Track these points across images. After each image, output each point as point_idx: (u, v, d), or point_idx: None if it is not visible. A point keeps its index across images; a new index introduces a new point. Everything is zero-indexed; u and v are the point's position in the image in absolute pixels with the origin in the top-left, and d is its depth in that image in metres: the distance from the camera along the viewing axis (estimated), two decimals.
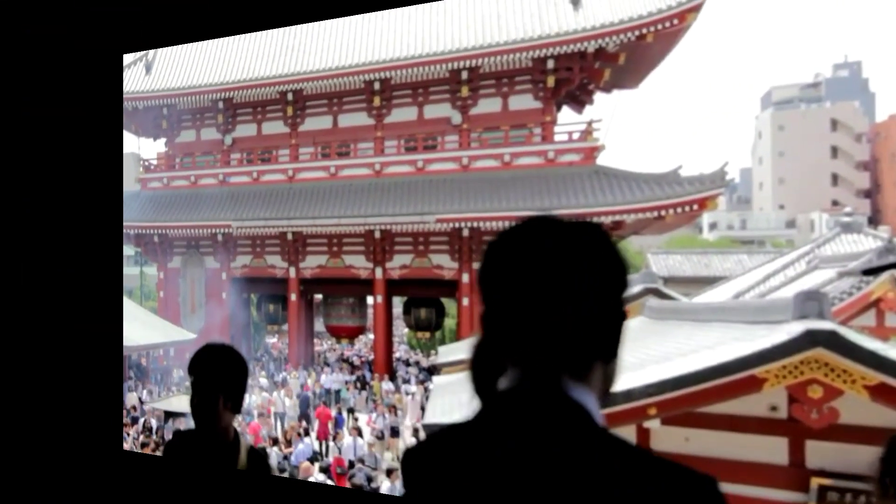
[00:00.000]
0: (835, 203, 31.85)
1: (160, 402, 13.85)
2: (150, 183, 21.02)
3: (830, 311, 5.10)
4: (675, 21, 12.39)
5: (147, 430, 11.60)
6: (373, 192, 16.31)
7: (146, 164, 21.72)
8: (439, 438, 0.64)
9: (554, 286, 0.57)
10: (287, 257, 17.78)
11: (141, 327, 16.65)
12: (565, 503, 0.53)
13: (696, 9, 12.30)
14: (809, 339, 4.64)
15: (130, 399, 13.54)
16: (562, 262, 0.58)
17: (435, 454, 0.63)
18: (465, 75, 15.14)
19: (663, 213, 12.36)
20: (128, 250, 26.15)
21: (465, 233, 14.76)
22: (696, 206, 12.29)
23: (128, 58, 21.73)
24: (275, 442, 10.25)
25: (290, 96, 18.12)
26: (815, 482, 4.90)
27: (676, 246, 21.23)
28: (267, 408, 13.28)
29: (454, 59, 14.86)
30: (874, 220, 26.61)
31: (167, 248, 20.46)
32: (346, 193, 16.73)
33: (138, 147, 27.90)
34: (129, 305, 16.47)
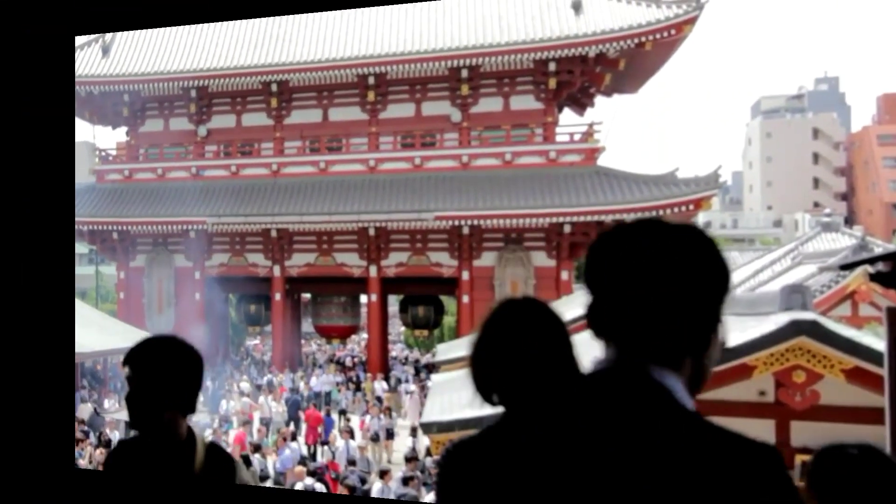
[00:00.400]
0: (816, 205, 37.27)
1: (122, 413, 13.72)
2: (108, 175, 20.46)
3: (812, 303, 6.07)
4: (673, 31, 14.28)
5: (105, 443, 11.36)
6: (367, 188, 17.17)
7: (103, 154, 21.36)
8: (530, 415, 0.77)
9: (656, 285, 0.70)
10: (271, 255, 18.26)
11: (97, 332, 16.43)
12: (645, 470, 0.66)
13: (692, 21, 14.24)
14: (794, 329, 5.34)
15: (83, 411, 13.41)
16: (666, 263, 0.70)
17: (532, 426, 0.76)
18: (465, 73, 16.44)
19: (661, 212, 14.16)
20: (80, 248, 25.58)
21: (466, 231, 15.99)
22: (691, 207, 14.18)
23: (81, 37, 21.57)
24: (256, 449, 9.87)
25: (274, 87, 18.56)
26: (799, 459, 5.30)
27: None
28: (249, 413, 12.91)
29: (455, 57, 16.06)
30: (850, 221, 31.57)
31: (129, 246, 20.27)
32: (338, 189, 17.45)
33: (93, 136, 27.47)
34: (82, 308, 16.42)
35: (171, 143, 20.61)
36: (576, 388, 0.75)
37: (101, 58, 20.74)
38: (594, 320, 0.74)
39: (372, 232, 16.93)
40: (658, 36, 14.42)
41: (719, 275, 0.72)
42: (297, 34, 17.88)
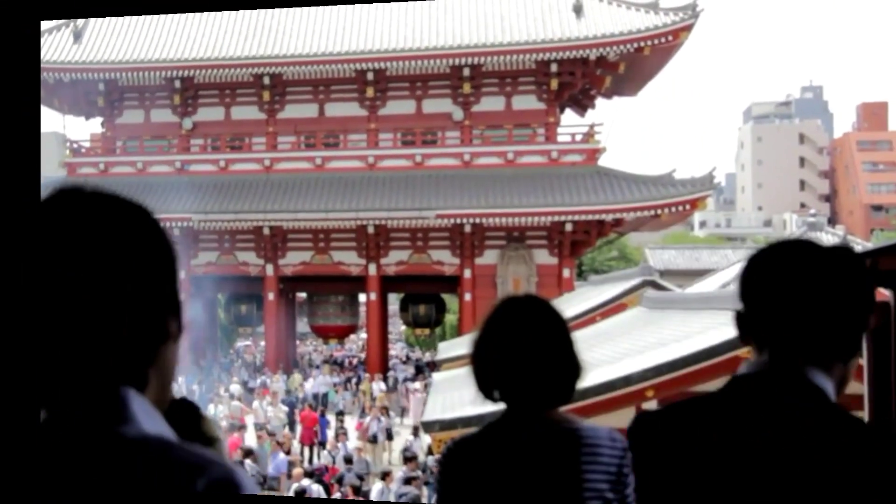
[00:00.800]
0: (802, 205, 42.12)
1: None
2: (81, 168, 20.84)
3: None
4: (670, 37, 16.10)
5: None
6: (365, 185, 18.24)
7: (74, 146, 21.63)
8: (681, 409, 0.89)
9: (817, 298, 0.83)
10: (263, 254, 19.08)
11: None
12: (804, 467, 0.77)
13: (688, 28, 16.09)
14: None
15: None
16: (825, 279, 0.84)
17: (679, 423, 0.87)
18: (467, 72, 17.81)
19: (659, 211, 15.97)
20: None
21: (468, 228, 17.32)
22: (688, 206, 16.02)
23: (50, 21, 21.77)
24: (248, 454, 9.91)
25: (266, 80, 19.28)
26: None
27: (671, 242, 27.06)
28: (240, 417, 13.34)
29: (456, 55, 17.38)
30: (833, 221, 36.02)
31: None
32: (335, 186, 18.42)
33: (63, 126, 27.46)
34: None
35: (153, 135, 20.50)
36: (734, 387, 0.85)
37: (73, 43, 20.69)
38: (746, 327, 0.90)
39: (371, 230, 17.70)
40: (656, 41, 16.20)
41: (866, 288, 0.88)
42: (292, 26, 18.46)
